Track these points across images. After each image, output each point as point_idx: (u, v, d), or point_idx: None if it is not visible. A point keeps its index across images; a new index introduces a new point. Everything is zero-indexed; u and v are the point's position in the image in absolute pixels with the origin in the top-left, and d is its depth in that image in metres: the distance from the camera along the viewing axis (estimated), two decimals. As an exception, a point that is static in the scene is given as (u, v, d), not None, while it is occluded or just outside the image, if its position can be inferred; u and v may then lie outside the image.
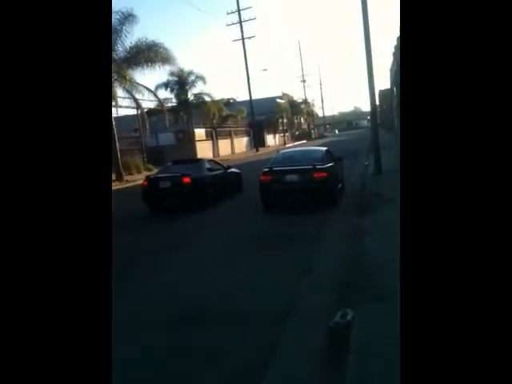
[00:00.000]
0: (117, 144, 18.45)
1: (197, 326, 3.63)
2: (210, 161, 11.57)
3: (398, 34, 31.18)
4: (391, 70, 44.94)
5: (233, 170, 11.65)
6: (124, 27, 18.49)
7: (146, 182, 9.80)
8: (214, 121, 33.07)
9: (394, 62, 39.33)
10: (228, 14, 36.69)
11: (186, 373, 2.95)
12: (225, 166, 11.51)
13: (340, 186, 9.38)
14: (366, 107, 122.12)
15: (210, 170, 10.31)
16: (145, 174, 21.24)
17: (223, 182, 10.53)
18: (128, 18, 18.66)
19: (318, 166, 8.13)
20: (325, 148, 9.69)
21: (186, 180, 9.25)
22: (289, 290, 4.15)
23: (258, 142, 39.15)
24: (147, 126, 22.37)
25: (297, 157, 9.29)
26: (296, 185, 8.20)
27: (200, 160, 11.60)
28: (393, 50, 37.93)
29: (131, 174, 20.73)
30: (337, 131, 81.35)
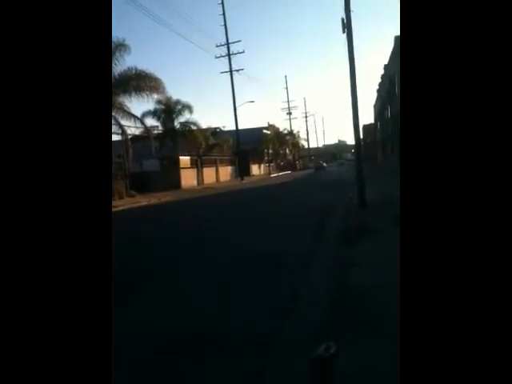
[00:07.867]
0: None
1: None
2: (323, 163, 68.03)
3: (382, 71, 32.45)
4: (375, 106, 46.48)
5: (324, 165, 63.79)
6: (114, 56, 18.74)
7: (315, 167, 61.29)
8: (201, 149, 33.21)
9: (377, 98, 40.69)
10: (217, 46, 37.60)
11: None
12: (324, 164, 66.00)
13: None
14: (349, 140, 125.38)
15: (324, 164, 66.12)
16: (127, 199, 20.99)
17: (325, 168, 59.35)
18: (118, 47, 18.95)
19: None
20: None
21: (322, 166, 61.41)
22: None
23: (243, 171, 39.39)
24: (130, 152, 22.20)
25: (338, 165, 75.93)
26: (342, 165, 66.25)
27: (323, 163, 65.71)
28: (377, 86, 39.35)
29: (113, 199, 20.37)
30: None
